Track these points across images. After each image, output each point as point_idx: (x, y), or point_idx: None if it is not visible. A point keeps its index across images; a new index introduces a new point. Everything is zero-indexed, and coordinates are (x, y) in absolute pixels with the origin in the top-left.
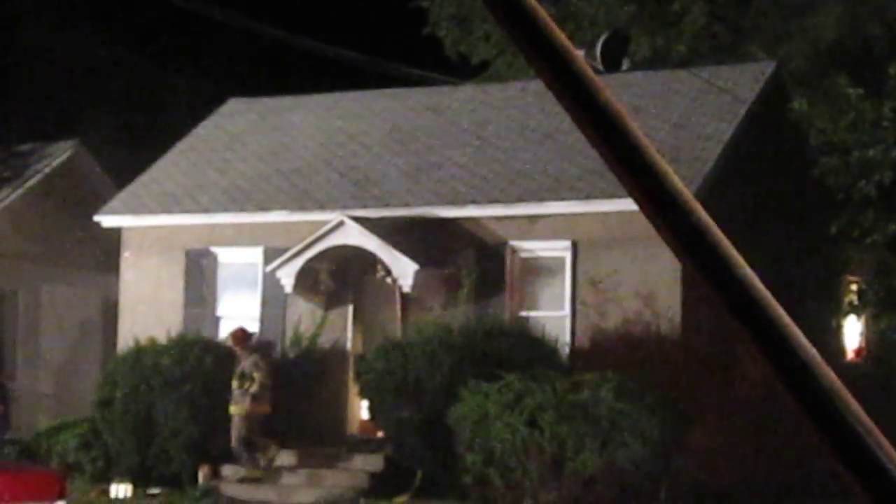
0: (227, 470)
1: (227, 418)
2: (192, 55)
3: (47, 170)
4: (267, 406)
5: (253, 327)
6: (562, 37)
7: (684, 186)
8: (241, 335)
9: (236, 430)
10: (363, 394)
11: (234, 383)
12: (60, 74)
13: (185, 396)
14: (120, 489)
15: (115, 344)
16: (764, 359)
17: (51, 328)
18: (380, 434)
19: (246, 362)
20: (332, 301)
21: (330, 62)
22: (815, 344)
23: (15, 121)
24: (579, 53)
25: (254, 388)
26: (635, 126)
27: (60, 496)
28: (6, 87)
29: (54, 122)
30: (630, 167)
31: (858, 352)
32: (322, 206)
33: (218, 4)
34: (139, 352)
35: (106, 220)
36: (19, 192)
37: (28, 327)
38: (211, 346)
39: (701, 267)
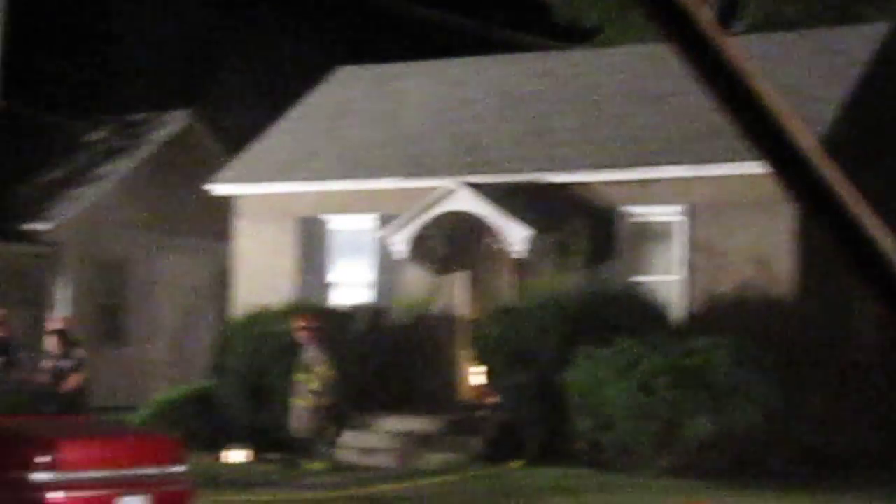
0: (344, 435)
1: (339, 383)
2: (303, 23)
3: (161, 139)
4: (329, 399)
5: (365, 294)
6: None
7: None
8: (306, 324)
9: (303, 421)
10: (476, 360)
11: (300, 376)
12: (173, 44)
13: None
14: (235, 455)
15: (227, 311)
16: (891, 317)
17: (164, 296)
18: (493, 400)
19: (307, 354)
20: (444, 267)
21: (441, 28)
22: None
23: (128, 91)
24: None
25: (314, 385)
26: (763, 84)
27: (179, 461)
28: (119, 57)
29: (167, 92)
30: (757, 126)
31: None
32: (434, 173)
33: None
34: (252, 319)
35: (219, 188)
36: (133, 161)
37: (142, 296)
38: (324, 313)
39: (830, 226)
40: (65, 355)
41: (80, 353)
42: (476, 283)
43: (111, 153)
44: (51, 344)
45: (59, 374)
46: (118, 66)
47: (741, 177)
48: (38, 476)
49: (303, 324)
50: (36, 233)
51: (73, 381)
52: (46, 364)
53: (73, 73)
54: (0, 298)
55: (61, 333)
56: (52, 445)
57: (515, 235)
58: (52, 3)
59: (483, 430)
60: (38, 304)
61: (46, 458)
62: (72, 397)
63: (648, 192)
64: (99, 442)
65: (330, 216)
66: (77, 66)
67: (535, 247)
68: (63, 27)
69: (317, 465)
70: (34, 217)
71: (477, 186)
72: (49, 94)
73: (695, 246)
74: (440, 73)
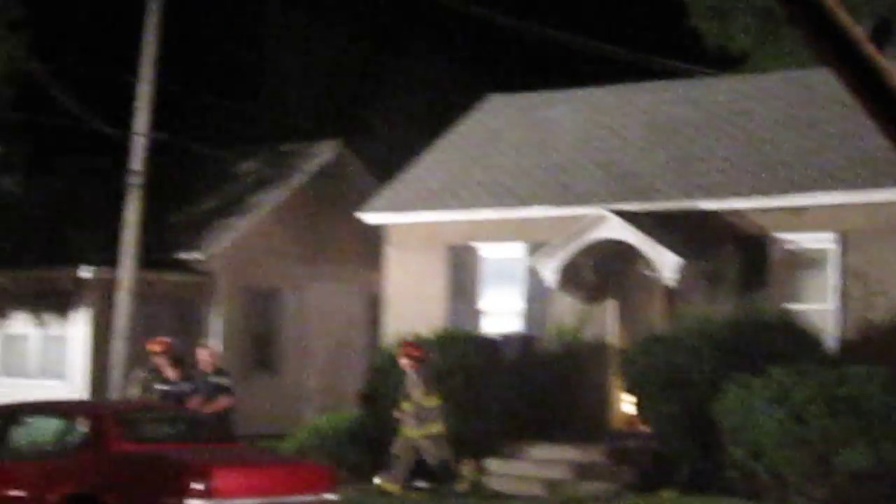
0: (491, 464)
1: (489, 410)
2: (452, 52)
3: (312, 169)
4: (436, 426)
5: (516, 322)
6: (848, 21)
7: None
8: (405, 351)
9: (429, 451)
10: (627, 388)
11: (405, 405)
12: (324, 74)
13: (449, 390)
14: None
15: (378, 339)
16: None
17: (316, 325)
18: (645, 428)
19: (408, 381)
20: (594, 295)
21: (588, 56)
22: None
23: (280, 121)
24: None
25: (405, 405)
26: None
27: (331, 489)
28: (271, 88)
29: (319, 122)
30: None
31: None
32: (583, 201)
33: (476, 2)
34: None
35: (370, 217)
36: (285, 191)
37: (294, 324)
38: (475, 340)
39: None
40: (184, 379)
41: (216, 380)
42: (626, 312)
43: (263, 183)
44: (164, 369)
45: (178, 398)
46: (270, 96)
47: (895, 203)
48: (193, 503)
49: (403, 350)
50: (190, 262)
51: (193, 404)
52: (161, 388)
53: (225, 104)
54: (156, 327)
55: (171, 357)
56: (207, 472)
57: (666, 263)
58: (204, 35)
59: (634, 458)
60: (192, 332)
61: (201, 486)
62: (213, 422)
63: (800, 219)
64: (252, 469)
65: (480, 244)
66: (229, 96)
67: (686, 274)
68: (216, 58)
69: (461, 486)
70: (188, 247)
71: (626, 214)
72: (202, 124)
73: (847, 273)
74: (588, 101)
